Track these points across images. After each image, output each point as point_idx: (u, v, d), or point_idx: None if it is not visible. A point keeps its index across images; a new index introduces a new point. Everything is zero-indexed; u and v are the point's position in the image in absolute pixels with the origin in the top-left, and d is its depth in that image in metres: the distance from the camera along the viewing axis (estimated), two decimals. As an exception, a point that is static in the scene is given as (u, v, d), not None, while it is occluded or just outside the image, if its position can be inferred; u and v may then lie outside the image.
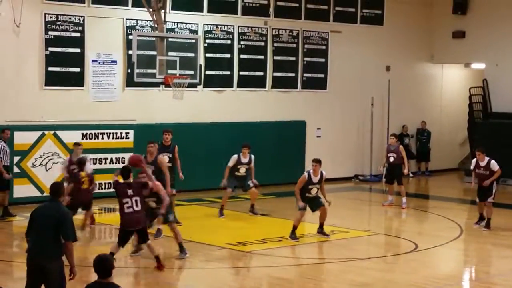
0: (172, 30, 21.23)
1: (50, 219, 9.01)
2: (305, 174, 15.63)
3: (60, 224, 8.96)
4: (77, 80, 20.16)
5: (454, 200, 22.03)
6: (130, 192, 12.74)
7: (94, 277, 7.79)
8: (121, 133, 20.60)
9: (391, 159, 20.06)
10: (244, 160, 17.98)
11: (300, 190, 15.44)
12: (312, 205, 15.62)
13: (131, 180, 12.93)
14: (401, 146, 20.45)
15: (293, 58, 24.05)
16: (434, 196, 23.06)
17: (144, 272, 13.38)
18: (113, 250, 12.73)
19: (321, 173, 15.51)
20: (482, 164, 16.81)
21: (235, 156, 18.00)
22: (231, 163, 17.95)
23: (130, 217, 12.70)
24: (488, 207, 16.86)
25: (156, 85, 20.21)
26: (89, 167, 16.49)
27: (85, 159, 16.24)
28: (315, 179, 15.47)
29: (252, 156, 18.05)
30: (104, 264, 7.71)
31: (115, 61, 20.68)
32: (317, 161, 15.56)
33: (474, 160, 17.04)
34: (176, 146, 16.66)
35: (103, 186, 20.07)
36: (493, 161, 16.74)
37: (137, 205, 12.69)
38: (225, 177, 17.88)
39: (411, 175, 25.60)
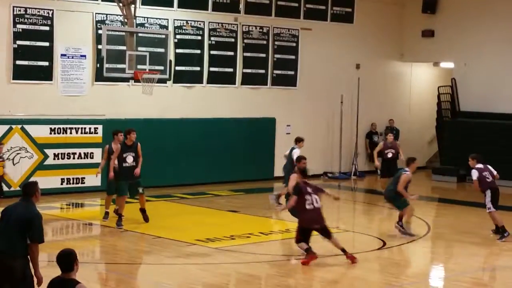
0: (142, 25, 21.12)
1: (19, 218, 8.89)
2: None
3: (29, 225, 8.83)
4: (46, 74, 19.99)
5: (421, 198, 22.10)
6: (309, 189, 13.31)
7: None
8: (89, 128, 20.45)
9: (389, 155, 20.58)
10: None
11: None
12: None
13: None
14: (397, 142, 21.36)
15: (263, 55, 24.04)
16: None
17: (114, 267, 13.30)
18: (305, 248, 13.33)
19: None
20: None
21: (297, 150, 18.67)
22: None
23: (311, 215, 13.25)
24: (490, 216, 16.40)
25: (126, 80, 20.10)
26: None
27: None
28: None
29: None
30: (66, 259, 7.61)
31: (84, 56, 20.53)
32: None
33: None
34: (139, 144, 16.49)
35: (71, 181, 19.93)
36: (473, 170, 16.28)
37: (317, 202, 13.31)
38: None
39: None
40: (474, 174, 16.08)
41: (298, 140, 19.34)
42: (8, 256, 8.85)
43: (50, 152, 19.78)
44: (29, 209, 8.95)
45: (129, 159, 16.14)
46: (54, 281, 7.63)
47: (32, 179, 18.75)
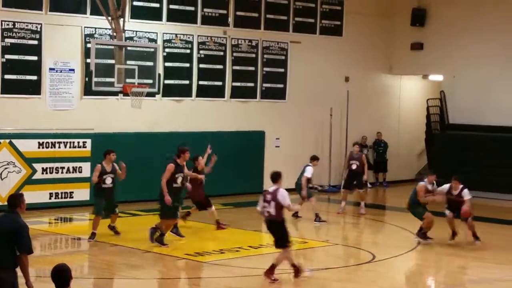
0: (131, 38, 21.10)
1: (5, 230, 8.86)
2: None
3: (16, 236, 8.81)
4: (34, 88, 19.92)
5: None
6: (268, 197, 13.13)
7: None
8: (78, 142, 20.38)
9: (354, 167, 20.64)
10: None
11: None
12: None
13: None
14: (363, 155, 21.26)
15: (252, 68, 24.05)
16: (391, 207, 23.17)
17: (103, 282, 13.24)
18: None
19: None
20: (455, 192, 16.70)
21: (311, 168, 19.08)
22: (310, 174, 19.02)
23: None
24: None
25: (114, 94, 20.04)
26: None
27: None
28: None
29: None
30: (61, 274, 7.58)
31: (73, 69, 20.49)
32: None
33: (448, 185, 16.82)
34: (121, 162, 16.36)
35: (60, 196, 19.85)
36: (465, 190, 16.53)
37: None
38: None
39: (369, 185, 25.74)
40: (468, 193, 16.39)
41: (313, 159, 19.46)
42: None
43: (38, 166, 19.70)
44: (15, 220, 8.93)
45: (108, 180, 16.12)
46: None
47: (20, 193, 18.65)
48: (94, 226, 16.17)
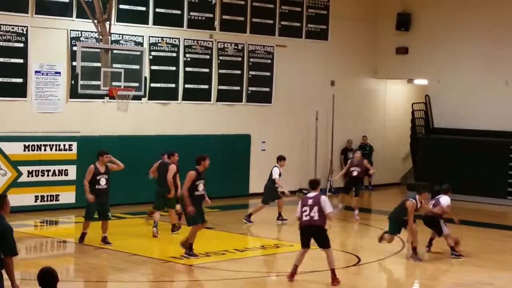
0: (117, 42, 21.10)
1: None
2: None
3: (0, 238, 8.78)
4: (20, 91, 19.89)
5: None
6: (310, 202, 13.14)
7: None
8: (64, 145, 20.36)
9: (355, 173, 20.75)
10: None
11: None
12: None
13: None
14: (365, 160, 21.50)
15: (239, 72, 24.10)
16: (376, 210, 23.25)
17: (89, 285, 13.23)
18: None
19: None
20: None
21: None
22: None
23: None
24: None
25: (101, 97, 20.05)
26: None
27: None
28: None
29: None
30: (48, 277, 7.59)
31: (59, 72, 20.47)
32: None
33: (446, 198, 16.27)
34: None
35: (46, 199, 19.82)
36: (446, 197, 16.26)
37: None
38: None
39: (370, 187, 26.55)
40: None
41: (280, 159, 19.60)
42: None
43: (24, 169, 19.66)
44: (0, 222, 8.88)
45: (103, 181, 15.97)
46: None
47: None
48: (84, 227, 16.01)
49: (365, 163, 21.18)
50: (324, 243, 13.27)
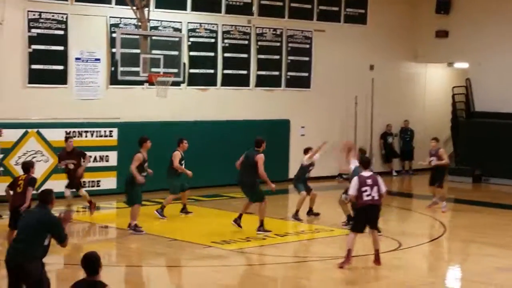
0: (155, 28, 21.17)
1: (36, 223, 9.25)
2: None
3: (51, 230, 9.22)
4: (61, 78, 20.06)
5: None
6: (369, 181, 13.20)
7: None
8: (104, 131, 20.52)
9: (433, 163, 19.58)
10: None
11: None
12: None
13: None
14: (441, 150, 19.87)
15: (277, 57, 24.05)
16: (417, 195, 23.10)
17: (129, 269, 13.35)
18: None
19: None
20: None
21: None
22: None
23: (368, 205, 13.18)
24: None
25: (140, 83, 20.12)
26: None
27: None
28: None
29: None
30: (91, 262, 7.74)
31: (99, 59, 20.60)
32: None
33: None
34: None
35: (87, 184, 19.98)
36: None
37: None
38: None
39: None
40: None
41: (306, 151, 18.93)
42: (26, 259, 9.08)
43: (65, 155, 19.81)
44: (47, 214, 9.37)
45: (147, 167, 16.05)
46: (78, 284, 7.73)
47: (48, 182, 18.84)
48: (134, 217, 15.76)
49: (440, 152, 19.56)
50: (376, 224, 13.55)
